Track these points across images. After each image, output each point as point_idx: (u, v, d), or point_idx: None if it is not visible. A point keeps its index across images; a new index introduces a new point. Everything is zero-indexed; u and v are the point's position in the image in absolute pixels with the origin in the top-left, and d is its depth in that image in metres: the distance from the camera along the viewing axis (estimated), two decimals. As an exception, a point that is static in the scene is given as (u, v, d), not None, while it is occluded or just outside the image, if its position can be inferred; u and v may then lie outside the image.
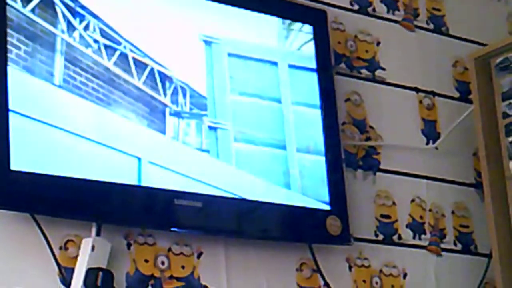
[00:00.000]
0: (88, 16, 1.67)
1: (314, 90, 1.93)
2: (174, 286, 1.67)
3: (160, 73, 1.74)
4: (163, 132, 1.71)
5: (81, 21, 1.66)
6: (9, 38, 1.56)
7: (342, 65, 2.07)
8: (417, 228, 2.03)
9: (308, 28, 1.97)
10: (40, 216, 1.54)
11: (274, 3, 1.96)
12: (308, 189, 1.84)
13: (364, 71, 2.10)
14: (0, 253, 1.51)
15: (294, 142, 1.87)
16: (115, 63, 1.68)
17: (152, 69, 1.73)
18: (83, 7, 1.67)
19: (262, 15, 1.92)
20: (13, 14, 1.57)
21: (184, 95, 1.76)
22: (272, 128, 1.86)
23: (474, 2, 2.34)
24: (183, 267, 1.69)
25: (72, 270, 1.54)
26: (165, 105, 1.73)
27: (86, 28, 1.67)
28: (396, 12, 2.20)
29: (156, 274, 1.66)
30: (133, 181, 1.62)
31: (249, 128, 1.82)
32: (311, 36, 1.96)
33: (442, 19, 2.27)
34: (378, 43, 2.13)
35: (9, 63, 1.54)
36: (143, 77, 1.72)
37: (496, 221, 1.95)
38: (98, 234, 1.57)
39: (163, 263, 1.67)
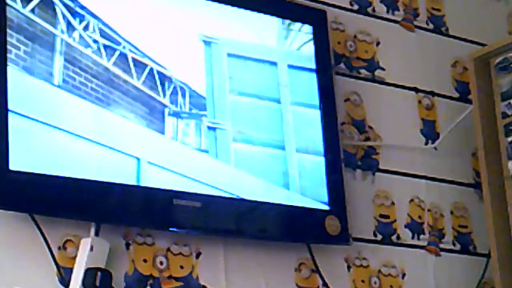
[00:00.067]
0: (87, 16, 1.67)
1: (313, 90, 1.93)
2: (172, 286, 1.67)
3: (159, 73, 1.74)
4: (162, 132, 1.71)
5: (80, 21, 1.67)
6: (8, 38, 1.56)
7: (342, 65, 2.07)
8: (416, 228, 2.03)
9: (307, 28, 1.97)
10: (39, 216, 1.55)
11: (274, 3, 1.96)
12: (307, 189, 1.84)
13: (363, 71, 2.10)
14: (-1, 253, 1.52)
15: (293, 142, 1.87)
16: (114, 63, 1.68)
17: (151, 69, 1.73)
18: (82, 7, 1.67)
19: (261, 15, 1.92)
20: (12, 14, 1.57)
21: (183, 95, 1.77)
22: (271, 128, 1.86)
23: (473, 2, 2.34)
24: (181, 267, 1.69)
25: (71, 270, 1.54)
26: (164, 105, 1.73)
27: (85, 28, 1.67)
28: (396, 12, 2.20)
29: (155, 274, 1.66)
30: (132, 181, 1.63)
31: (248, 128, 1.82)
32: (311, 36, 1.96)
33: (442, 19, 2.27)
34: (378, 43, 2.13)
35: (8, 63, 1.55)
36: (143, 77, 1.72)
37: (495, 221, 1.95)
38: (96, 234, 1.57)
39: (161, 263, 1.67)
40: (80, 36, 1.66)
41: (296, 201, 1.82)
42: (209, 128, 1.77)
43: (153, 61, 1.74)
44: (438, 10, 2.27)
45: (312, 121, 1.91)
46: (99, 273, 1.52)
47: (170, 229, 1.68)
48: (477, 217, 2.10)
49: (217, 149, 1.77)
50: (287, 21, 1.95)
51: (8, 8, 1.57)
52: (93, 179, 1.57)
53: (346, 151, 1.98)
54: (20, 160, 1.51)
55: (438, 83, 2.19)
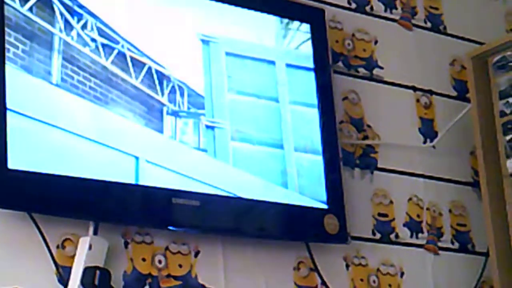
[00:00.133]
0: (85, 15, 1.67)
1: (312, 89, 1.93)
2: (171, 285, 1.67)
3: (157, 72, 1.74)
4: (161, 131, 1.71)
5: (78, 20, 1.66)
6: (6, 37, 1.56)
7: (340, 63, 2.07)
8: (414, 226, 2.03)
9: (305, 27, 1.97)
10: (38, 214, 1.54)
11: (272, 1, 1.96)
12: (305, 188, 1.84)
13: (361, 69, 2.10)
14: (-3, 252, 1.52)
15: (292, 141, 1.87)
16: (112, 62, 1.68)
17: (149, 68, 1.73)
18: (80, 6, 1.67)
19: (260, 14, 1.92)
20: (11, 13, 1.57)
21: (182, 94, 1.76)
22: (269, 127, 1.86)
23: (471, 1, 2.34)
24: (180, 265, 1.69)
25: (70, 269, 1.54)
26: (163, 104, 1.73)
27: (83, 27, 1.67)
28: (394, 10, 2.20)
29: (154, 273, 1.66)
30: (131, 180, 1.62)
31: (246, 127, 1.82)
32: (309, 35, 1.96)
33: (440, 18, 2.27)
34: (376, 42, 2.14)
35: (6, 62, 1.54)
36: (141, 76, 1.72)
37: (493, 220, 1.95)
38: (95, 232, 1.57)
39: (160, 261, 1.67)
40: (78, 35, 1.65)
41: (294, 200, 1.82)
42: (208, 127, 1.77)
43: (152, 60, 1.74)
44: (436, 8, 2.27)
45: (310, 120, 1.91)
46: (97, 272, 1.52)
47: (169, 227, 1.68)
48: (475, 215, 2.10)
49: (216, 148, 1.77)
50: (286, 20, 1.95)
51: (6, 6, 1.57)
52: (92, 178, 1.57)
53: (345, 149, 1.98)
54: (19, 159, 1.51)
55: (436, 82, 2.19)
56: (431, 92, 2.17)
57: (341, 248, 1.88)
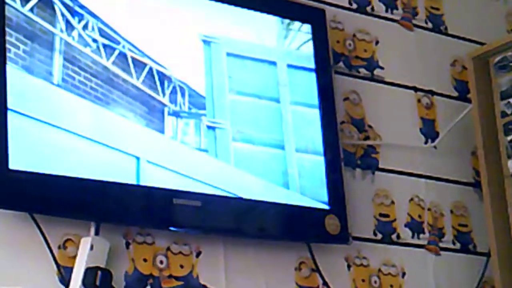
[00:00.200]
0: (87, 16, 1.67)
1: (313, 90, 1.93)
2: (173, 285, 1.67)
3: (159, 72, 1.74)
4: (162, 131, 1.71)
5: (80, 21, 1.66)
6: (7, 37, 1.56)
7: (341, 64, 2.07)
8: (415, 227, 2.03)
9: (307, 27, 1.97)
10: (39, 215, 1.54)
11: (273, 2, 1.96)
12: (306, 188, 1.84)
13: (362, 70, 2.10)
14: (-1, 253, 1.52)
15: (293, 141, 1.87)
16: (113, 63, 1.68)
17: (151, 69, 1.73)
18: (82, 7, 1.67)
19: (261, 14, 1.92)
20: (12, 14, 1.57)
21: (183, 95, 1.76)
22: (270, 128, 1.86)
23: (472, 1, 2.34)
24: (182, 266, 1.69)
25: (71, 269, 1.54)
26: (164, 105, 1.73)
27: (85, 27, 1.67)
28: (395, 11, 2.20)
29: (155, 273, 1.66)
30: (132, 181, 1.62)
31: (247, 128, 1.82)
32: (310, 36, 1.96)
33: (441, 18, 2.27)
34: (377, 42, 2.13)
35: (7, 62, 1.54)
36: (142, 77, 1.72)
37: (494, 220, 1.95)
38: (96, 233, 1.57)
39: (162, 262, 1.67)
40: (80, 35, 1.65)
41: (295, 200, 1.82)
42: (209, 127, 1.77)
43: (153, 60, 1.74)
44: (437, 9, 2.27)
45: (311, 120, 1.91)
46: (99, 272, 1.52)
47: (170, 228, 1.68)
48: (477, 216, 2.10)
49: (217, 149, 1.77)
50: (287, 21, 1.95)
51: (7, 7, 1.57)
52: (93, 178, 1.57)
53: (346, 150, 1.98)
54: (20, 159, 1.51)
55: (438, 82, 2.19)
56: (432, 92, 2.17)
57: (343, 248, 1.88)
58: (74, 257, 1.55)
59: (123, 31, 1.71)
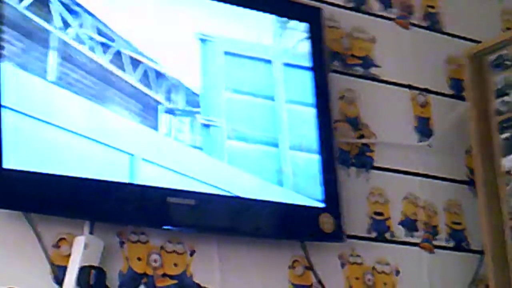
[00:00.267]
0: (82, 13, 1.67)
1: (308, 88, 1.92)
2: (167, 284, 1.67)
3: (154, 70, 1.74)
4: (156, 129, 1.71)
5: (76, 18, 1.66)
6: (3, 34, 1.55)
7: (336, 62, 2.06)
8: (410, 225, 2.03)
9: (303, 26, 1.97)
10: (33, 214, 1.54)
11: (270, 1, 1.95)
12: (300, 186, 1.84)
13: (358, 68, 2.10)
14: (-7, 251, 1.52)
15: (287, 139, 1.87)
16: (109, 60, 1.68)
17: (146, 67, 1.73)
18: (78, 5, 1.66)
19: (257, 13, 1.92)
20: (7, 11, 1.57)
21: (178, 93, 1.76)
22: (265, 126, 1.86)
23: (468, -1, 2.35)
24: (175, 265, 1.69)
25: (65, 268, 1.54)
26: (159, 102, 1.73)
27: (80, 25, 1.66)
28: (391, 9, 2.19)
29: (149, 272, 1.66)
30: (126, 178, 1.62)
31: (242, 126, 1.82)
32: (306, 34, 1.96)
33: (437, 17, 2.27)
34: (373, 41, 2.13)
35: (3, 59, 1.54)
36: (138, 75, 1.71)
37: (488, 218, 1.96)
38: (91, 232, 1.57)
39: (156, 261, 1.67)
40: (75, 33, 1.65)
41: (289, 198, 1.82)
42: (203, 125, 1.77)
43: (148, 58, 1.74)
44: (433, 7, 2.27)
45: (306, 119, 1.91)
46: (93, 271, 1.52)
47: (164, 227, 1.68)
48: (471, 214, 2.10)
49: (211, 146, 1.77)
50: (283, 19, 1.95)
51: (3, 4, 1.57)
52: (87, 177, 1.57)
53: (341, 148, 1.98)
54: (14, 158, 1.50)
55: (433, 80, 2.19)
56: (427, 90, 2.17)
57: (337, 246, 1.88)
58: (68, 256, 1.55)
59: (119, 29, 1.71)
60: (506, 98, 2.01)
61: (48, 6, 1.63)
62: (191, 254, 1.72)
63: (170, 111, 1.74)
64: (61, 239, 1.58)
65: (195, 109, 1.77)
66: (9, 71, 1.54)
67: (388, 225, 2.00)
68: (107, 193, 1.59)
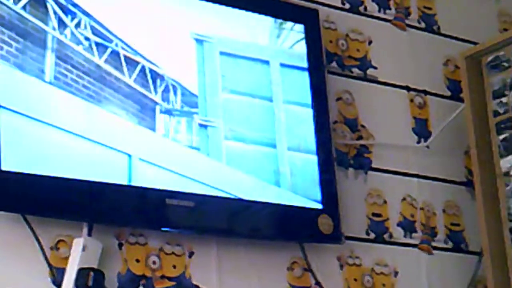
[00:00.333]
0: (79, 14, 1.66)
1: (306, 89, 1.92)
2: (165, 286, 1.67)
3: (151, 71, 1.73)
4: (153, 129, 1.71)
5: (72, 19, 1.66)
6: (0, 35, 1.54)
7: (334, 64, 2.06)
8: (408, 226, 2.03)
9: (299, 27, 1.96)
10: (31, 216, 1.53)
11: (266, 2, 1.95)
12: (298, 187, 1.84)
13: (355, 70, 2.09)
14: (-9, 254, 1.51)
15: (285, 140, 1.86)
16: (106, 61, 1.68)
17: (143, 67, 1.72)
18: (74, 5, 1.66)
19: (254, 14, 1.91)
20: (4, 11, 1.57)
21: (175, 93, 1.76)
22: (263, 127, 1.85)
23: (465, 1, 2.34)
24: (174, 266, 1.69)
25: (63, 270, 1.53)
26: (156, 103, 1.72)
27: (77, 25, 1.66)
28: (388, 11, 2.20)
29: (148, 273, 1.65)
30: (124, 178, 1.62)
31: (240, 126, 1.82)
32: (303, 35, 1.96)
33: (433, 18, 2.27)
34: (370, 42, 2.13)
35: (-1, 59, 1.54)
36: (134, 75, 1.71)
37: (487, 219, 1.96)
38: (89, 234, 1.56)
39: (154, 262, 1.67)
40: (72, 33, 1.65)
41: (287, 199, 1.82)
42: (201, 125, 1.77)
43: (145, 58, 1.73)
44: (430, 8, 2.27)
45: (304, 119, 1.90)
46: (91, 273, 1.52)
47: (163, 229, 1.67)
48: (469, 215, 2.10)
49: (209, 147, 1.76)
50: (279, 20, 1.95)
51: (-1, 5, 1.56)
52: (86, 179, 1.56)
53: (339, 150, 1.98)
54: (12, 160, 1.50)
55: (430, 82, 2.19)
56: (425, 92, 2.17)
57: (335, 248, 1.88)
58: (67, 258, 1.54)
59: (116, 30, 1.70)
60: (503, 99, 2.02)
61: (45, 7, 1.62)
62: (190, 256, 1.71)
63: (167, 112, 1.74)
64: (59, 241, 1.57)
65: (192, 110, 1.77)
66: (6, 71, 1.53)
67: (386, 226, 2.00)
68: (106, 195, 1.59)
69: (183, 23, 1.80)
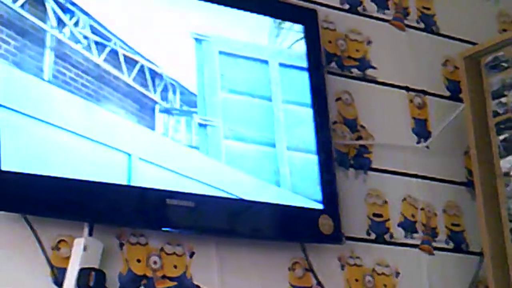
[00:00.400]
0: (78, 13, 1.65)
1: (304, 89, 1.92)
2: (166, 286, 1.65)
3: (150, 70, 1.72)
4: (153, 128, 1.70)
5: (71, 17, 1.65)
6: (-2, 33, 1.54)
7: (333, 64, 2.06)
8: (409, 226, 2.02)
9: (298, 27, 1.96)
10: (32, 216, 1.52)
11: (265, 3, 1.95)
12: (298, 187, 1.83)
13: (354, 70, 2.09)
14: (-8, 254, 1.50)
15: (284, 140, 1.86)
16: (105, 60, 1.67)
17: (142, 66, 1.72)
18: (73, 4, 1.65)
19: (253, 14, 1.91)
20: (2, 10, 1.55)
21: (174, 92, 1.75)
22: (262, 126, 1.85)
23: (463, 1, 2.34)
24: (175, 266, 1.68)
25: (65, 270, 1.52)
26: (155, 102, 1.72)
27: (76, 24, 1.65)
28: (386, 11, 2.20)
29: (149, 274, 1.64)
30: (123, 177, 1.61)
31: (239, 126, 1.81)
32: (302, 34, 1.96)
33: (432, 18, 2.27)
34: (369, 42, 2.13)
35: (-3, 58, 1.52)
36: (133, 74, 1.70)
37: (487, 219, 1.96)
38: (90, 234, 1.55)
39: (155, 263, 1.65)
40: (71, 32, 1.64)
41: (287, 198, 1.81)
42: (200, 125, 1.76)
43: (144, 58, 1.72)
44: (428, 9, 2.27)
45: (303, 119, 1.90)
46: (93, 273, 1.51)
47: (164, 229, 1.66)
48: (469, 215, 2.10)
49: (208, 146, 1.76)
50: (279, 20, 1.94)
51: (-2, 3, 1.55)
52: (86, 179, 1.55)
53: (338, 150, 1.98)
54: (12, 160, 1.48)
55: (429, 82, 2.19)
56: (424, 92, 2.17)
57: (336, 248, 1.87)
58: (68, 258, 1.53)
59: (115, 29, 1.69)
60: (503, 100, 2.02)
61: (43, 5, 1.61)
62: (191, 256, 1.70)
63: (166, 111, 1.73)
64: (60, 241, 1.56)
65: (191, 109, 1.76)
66: (4, 69, 1.52)
67: (387, 227, 1.99)
68: (107, 195, 1.58)
69: (183, 22, 1.80)
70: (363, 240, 1.94)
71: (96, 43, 1.66)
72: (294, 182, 1.83)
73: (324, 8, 2.07)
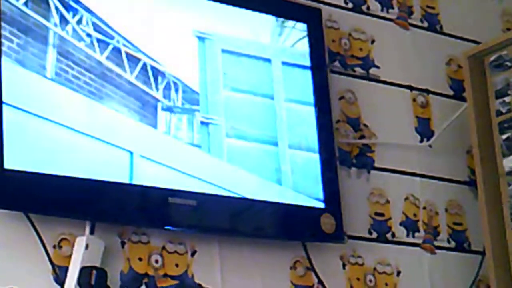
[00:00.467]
0: (81, 10, 1.65)
1: (308, 88, 1.92)
2: (168, 285, 1.66)
3: (152, 68, 1.72)
4: (155, 126, 1.70)
5: (74, 15, 1.65)
6: (1, 31, 1.53)
7: (336, 63, 2.06)
8: (411, 226, 2.02)
9: (302, 26, 1.96)
10: (34, 215, 1.53)
11: (269, 1, 1.94)
12: (299, 185, 1.83)
13: (358, 69, 2.09)
14: (-6, 252, 1.50)
15: (286, 138, 1.86)
16: (107, 57, 1.67)
17: (144, 64, 1.72)
18: (76, 1, 1.65)
19: (256, 13, 1.90)
20: (6, 7, 1.56)
21: (177, 90, 1.75)
22: (264, 125, 1.85)
23: (468, 0, 2.34)
24: (177, 265, 1.68)
25: (66, 268, 1.53)
26: (157, 100, 1.72)
27: (79, 22, 1.65)
28: (390, 10, 2.19)
29: (150, 272, 1.64)
30: (125, 175, 1.61)
31: (241, 124, 1.81)
32: (305, 33, 1.95)
33: (436, 17, 2.26)
34: (372, 41, 2.13)
35: (1, 55, 1.52)
36: (136, 72, 1.70)
37: (489, 218, 1.95)
38: (92, 232, 1.56)
39: (157, 261, 1.66)
40: (74, 30, 1.64)
41: (289, 197, 1.81)
42: (202, 123, 1.76)
43: (147, 55, 1.72)
44: (432, 8, 2.27)
45: (305, 118, 1.90)
46: (94, 272, 1.51)
47: (165, 227, 1.66)
48: (472, 214, 2.09)
49: (210, 144, 1.76)
50: (281, 19, 1.94)
51: (1, 1, 1.55)
52: (88, 178, 1.55)
53: (341, 149, 1.97)
54: (15, 158, 1.48)
55: (433, 81, 2.18)
56: (427, 91, 2.17)
57: (338, 247, 1.87)
58: (69, 256, 1.54)
59: (118, 26, 1.69)
60: (506, 99, 2.01)
61: (47, 3, 1.61)
62: (192, 255, 1.70)
63: (168, 109, 1.73)
64: (62, 239, 1.56)
65: (193, 107, 1.76)
66: (7, 67, 1.52)
67: (389, 226, 1.99)
68: (108, 193, 1.58)
69: (185, 20, 1.79)
70: (365, 239, 1.94)
71: (99, 40, 1.66)
72: (296, 180, 1.83)
73: (327, 7, 2.06)
